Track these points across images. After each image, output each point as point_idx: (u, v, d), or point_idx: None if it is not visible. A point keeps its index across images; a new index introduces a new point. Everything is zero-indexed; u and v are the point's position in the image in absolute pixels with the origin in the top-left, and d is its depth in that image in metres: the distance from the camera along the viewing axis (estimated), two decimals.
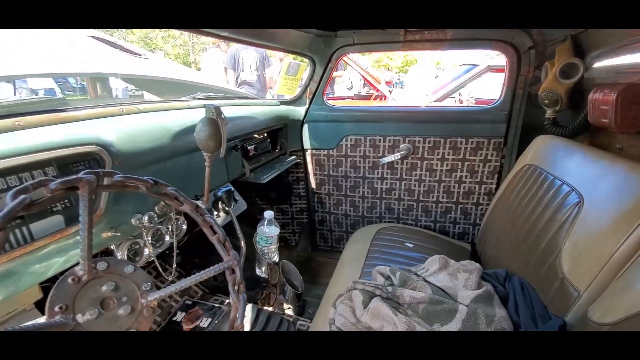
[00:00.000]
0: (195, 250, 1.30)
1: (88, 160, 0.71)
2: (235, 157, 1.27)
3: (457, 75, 3.80)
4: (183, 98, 1.27)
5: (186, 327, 1.14)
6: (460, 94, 3.73)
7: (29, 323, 0.57)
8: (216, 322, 1.19)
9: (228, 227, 1.09)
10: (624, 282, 0.71)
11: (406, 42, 1.49)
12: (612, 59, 1.14)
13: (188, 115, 1.10)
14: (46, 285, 0.74)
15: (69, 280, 0.52)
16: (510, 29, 1.41)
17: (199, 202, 0.67)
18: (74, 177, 0.51)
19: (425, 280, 0.98)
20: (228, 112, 0.99)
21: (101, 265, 0.56)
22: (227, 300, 1.30)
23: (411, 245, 1.45)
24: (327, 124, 1.77)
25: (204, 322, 1.18)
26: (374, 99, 4.15)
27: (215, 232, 0.70)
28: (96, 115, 0.84)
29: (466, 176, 1.69)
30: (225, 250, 0.69)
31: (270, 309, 1.30)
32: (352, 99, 4.29)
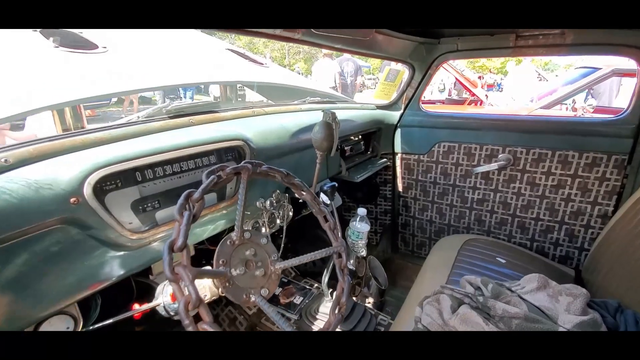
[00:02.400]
0: (295, 234, 1.48)
1: (235, 152, 0.91)
2: (334, 156, 1.40)
3: (570, 80, 3.36)
4: (295, 102, 1.45)
5: (282, 300, 1.32)
6: (574, 101, 3.28)
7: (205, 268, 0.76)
8: (307, 301, 1.34)
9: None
10: None
11: (516, 47, 1.42)
12: None
13: (301, 117, 1.27)
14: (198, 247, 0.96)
15: (228, 242, 0.70)
16: None
17: None
18: (240, 165, 0.68)
19: (521, 297, 0.96)
20: None
21: (247, 235, 0.73)
22: (316, 285, 1.44)
23: (503, 261, 1.39)
24: (420, 129, 1.79)
25: (297, 299, 1.35)
26: (467, 104, 3.92)
27: (327, 220, 0.82)
28: (237, 116, 1.05)
29: (576, 194, 1.54)
30: (335, 236, 0.81)
31: (354, 299, 1.40)
32: (443, 103, 4.12)
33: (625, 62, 2.76)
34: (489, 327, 0.85)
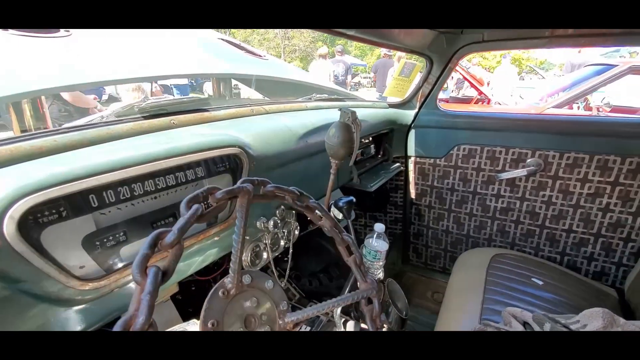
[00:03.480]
0: (298, 254, 1.28)
1: (229, 161, 0.70)
2: (344, 162, 1.21)
3: (582, 77, 3.20)
4: (300, 99, 1.25)
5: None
6: (586, 99, 3.13)
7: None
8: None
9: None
10: None
11: (553, 37, 1.24)
12: None
13: (307, 116, 1.07)
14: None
15: (220, 293, 0.50)
16: None
17: None
18: (236, 187, 0.48)
19: None
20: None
21: (246, 279, 0.53)
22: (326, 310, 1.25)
23: (540, 282, 1.21)
24: (437, 130, 1.60)
25: (303, 329, 1.15)
26: (474, 103, 3.74)
27: (351, 253, 0.62)
28: (232, 116, 0.85)
29: (616, 204, 1.36)
30: (362, 275, 0.62)
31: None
32: (447, 102, 3.94)
33: None
34: None
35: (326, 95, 1.35)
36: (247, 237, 0.80)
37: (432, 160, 1.64)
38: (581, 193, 1.40)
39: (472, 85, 3.65)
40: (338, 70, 5.78)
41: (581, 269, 1.51)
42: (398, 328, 1.21)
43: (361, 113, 1.43)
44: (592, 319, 0.83)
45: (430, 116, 1.59)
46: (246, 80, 1.64)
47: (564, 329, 0.83)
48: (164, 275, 0.38)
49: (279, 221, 0.85)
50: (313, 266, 1.53)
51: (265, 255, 0.88)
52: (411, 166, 1.69)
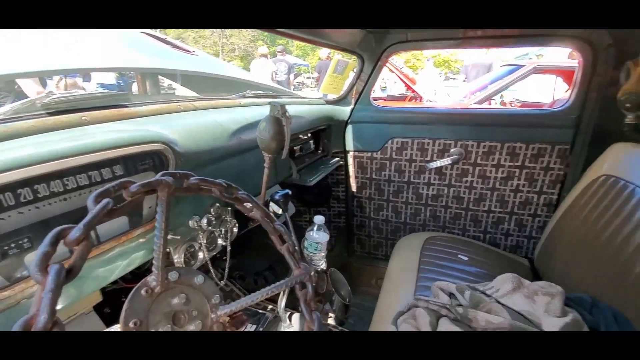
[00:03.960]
0: (242, 253, 1.26)
1: (152, 158, 0.67)
2: (284, 158, 1.22)
3: (498, 77, 3.61)
4: (233, 95, 1.22)
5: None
6: (502, 96, 3.53)
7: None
8: (261, 329, 1.13)
9: None
10: None
11: (466, 38, 1.39)
12: None
13: (241, 112, 1.06)
14: (106, 288, 0.70)
15: (143, 292, 0.48)
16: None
17: None
18: (154, 179, 0.46)
19: (499, 302, 0.89)
20: None
21: (172, 276, 0.51)
22: (270, 306, 1.25)
23: (465, 258, 1.34)
24: (372, 125, 1.69)
25: (249, 329, 1.13)
26: (408, 100, 4.00)
27: (284, 242, 0.64)
28: (156, 112, 0.80)
29: (524, 185, 1.56)
30: (296, 261, 0.63)
31: None
32: (385, 100, 4.16)
33: (546, 59, 3.01)
34: None
35: (261, 92, 1.34)
36: (179, 237, 0.77)
37: (369, 154, 1.72)
38: (496, 177, 1.59)
39: (405, 84, 3.92)
40: (280, 70, 5.86)
41: (500, 244, 1.70)
42: (342, 315, 1.26)
43: (299, 109, 1.45)
44: (504, 283, 0.95)
45: (365, 112, 1.67)
46: (179, 77, 1.56)
47: (484, 296, 0.93)
48: (69, 273, 0.35)
49: (213, 219, 0.83)
50: (258, 265, 1.51)
51: (201, 255, 0.86)
52: (350, 160, 1.76)
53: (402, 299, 1.12)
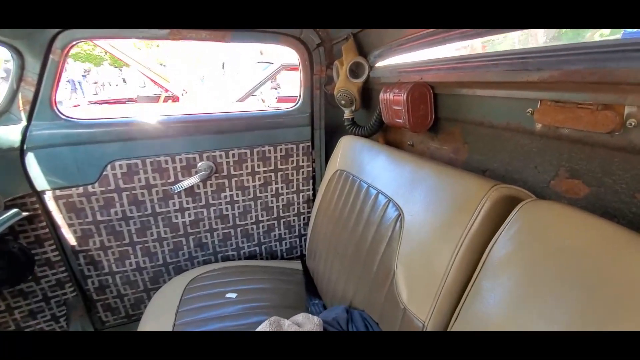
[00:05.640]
0: None
1: None
2: None
3: (254, 74, 3.68)
4: None
5: None
6: (261, 92, 3.64)
7: None
8: None
9: None
10: (472, 315, 0.61)
11: (175, 30, 1.09)
12: (392, 58, 1.15)
13: None
14: None
15: None
16: None
17: None
18: None
19: None
20: None
21: None
22: None
23: (234, 296, 1.11)
24: (73, 148, 1.14)
25: None
26: (164, 101, 3.44)
27: None
28: None
29: (282, 187, 1.50)
30: None
31: None
32: (135, 101, 3.41)
33: (288, 58, 3.25)
34: None
35: None
36: None
37: (81, 189, 1.18)
38: (255, 185, 1.44)
39: (155, 83, 3.34)
40: None
41: (277, 251, 1.61)
42: None
43: None
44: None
45: (52, 130, 1.10)
46: None
47: None
48: None
49: None
50: None
51: None
52: (51, 204, 1.15)
53: None
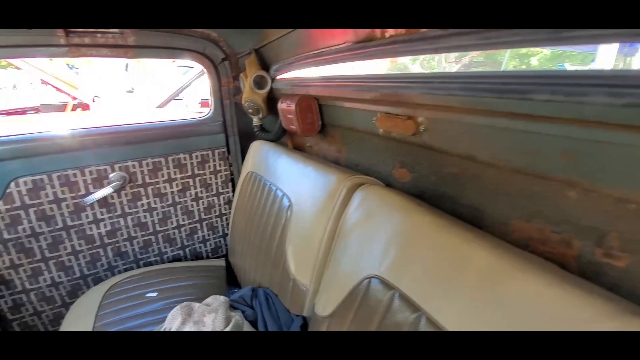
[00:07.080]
0: None
1: None
2: None
3: (177, 79, 3.62)
4: None
5: None
6: (184, 97, 3.59)
7: None
8: None
9: None
10: (332, 271, 0.83)
11: (72, 46, 1.14)
12: (287, 73, 1.34)
13: None
14: None
15: None
16: (201, 41, 1.38)
17: None
18: None
19: None
20: None
21: None
22: None
23: (154, 295, 1.20)
24: None
25: None
26: (72, 110, 3.19)
27: None
28: None
29: (202, 191, 1.60)
30: None
31: None
32: (38, 111, 3.10)
33: None
34: None
35: None
36: None
37: None
38: (173, 192, 1.52)
39: (61, 91, 3.09)
40: None
41: (202, 252, 1.71)
42: None
43: None
44: (174, 320, 0.88)
45: None
46: None
47: None
48: None
49: None
50: None
51: None
52: None
53: None
